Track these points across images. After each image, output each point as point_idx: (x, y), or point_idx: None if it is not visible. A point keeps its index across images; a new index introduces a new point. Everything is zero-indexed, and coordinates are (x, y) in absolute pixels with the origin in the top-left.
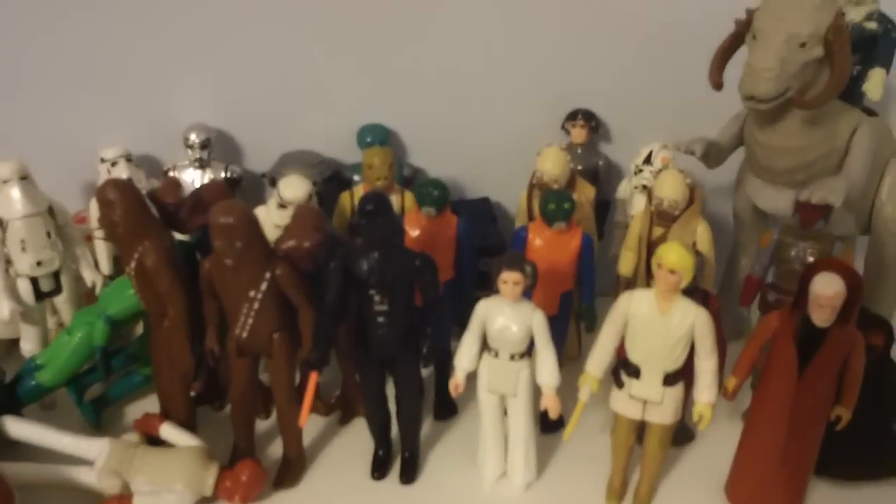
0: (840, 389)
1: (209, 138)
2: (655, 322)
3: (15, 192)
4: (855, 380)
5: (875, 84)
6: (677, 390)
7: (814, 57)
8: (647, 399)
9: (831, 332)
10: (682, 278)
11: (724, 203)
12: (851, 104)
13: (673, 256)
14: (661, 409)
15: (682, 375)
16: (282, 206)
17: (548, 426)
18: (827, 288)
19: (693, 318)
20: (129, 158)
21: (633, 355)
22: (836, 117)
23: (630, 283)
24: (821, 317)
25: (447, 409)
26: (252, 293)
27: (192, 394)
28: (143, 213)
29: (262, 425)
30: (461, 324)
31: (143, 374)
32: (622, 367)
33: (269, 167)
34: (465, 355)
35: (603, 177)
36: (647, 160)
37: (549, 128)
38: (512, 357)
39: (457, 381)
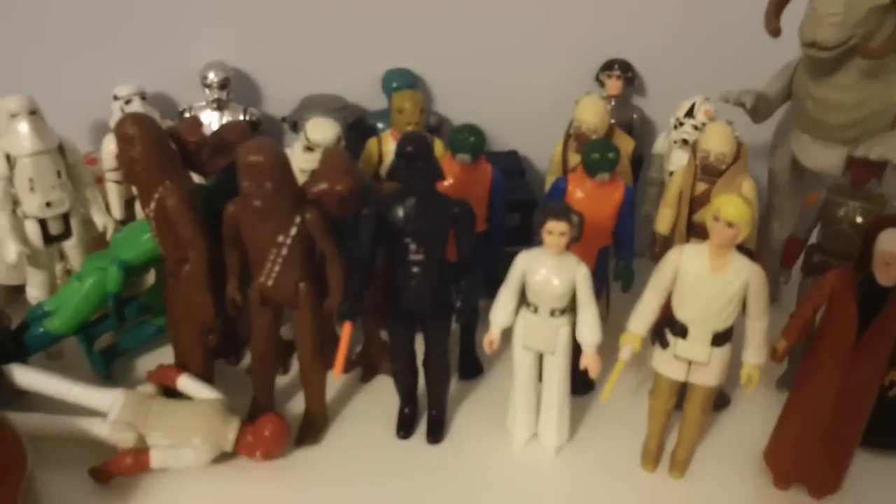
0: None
1: (228, 77)
2: (707, 279)
3: (23, 128)
4: None
5: None
6: (725, 351)
7: (880, 3)
8: (694, 359)
9: (894, 293)
10: (739, 232)
11: (753, 164)
12: None
13: (731, 209)
14: (708, 370)
15: (731, 335)
16: (308, 148)
17: (579, 388)
18: (895, 244)
19: (747, 275)
20: (143, 97)
21: (682, 313)
22: (894, 72)
23: (667, 242)
24: (887, 275)
25: (473, 368)
26: (281, 238)
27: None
28: (165, 151)
29: (279, 381)
30: (489, 282)
31: (155, 324)
32: (668, 326)
33: (290, 111)
34: (501, 311)
35: (637, 131)
36: (689, 113)
37: (582, 79)
38: (552, 313)
39: (492, 337)
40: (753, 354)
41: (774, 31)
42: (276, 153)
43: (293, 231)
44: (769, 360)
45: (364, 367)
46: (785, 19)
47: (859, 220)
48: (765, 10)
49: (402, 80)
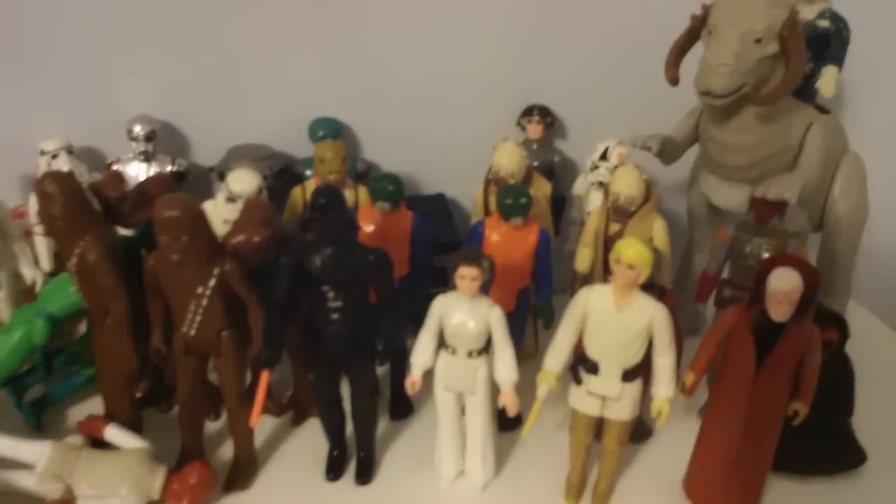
0: (797, 384)
1: (154, 130)
2: (613, 317)
3: None
4: (812, 375)
5: (828, 81)
6: (636, 386)
7: (769, 53)
8: (606, 395)
9: (788, 327)
10: (640, 273)
11: (678, 200)
12: (805, 102)
13: (631, 252)
14: (620, 405)
15: (641, 371)
16: (230, 199)
17: (505, 424)
18: (784, 283)
19: (651, 314)
20: (70, 150)
21: (592, 351)
22: (790, 114)
23: (587, 280)
24: (778, 312)
25: (403, 408)
26: (200, 290)
27: (138, 395)
28: (84, 207)
29: (211, 427)
30: (416, 321)
31: (85, 374)
32: (580, 364)
33: (218, 161)
34: (421, 353)
35: (558, 173)
36: (603, 156)
37: (504, 124)
38: (469, 354)
39: (413, 379)
40: (663, 388)
41: (673, 80)
42: (190, 208)
43: (212, 282)
44: (692, 392)
45: (294, 411)
46: (691, 67)
47: (765, 255)
48: (665, 59)
49: (327, 129)
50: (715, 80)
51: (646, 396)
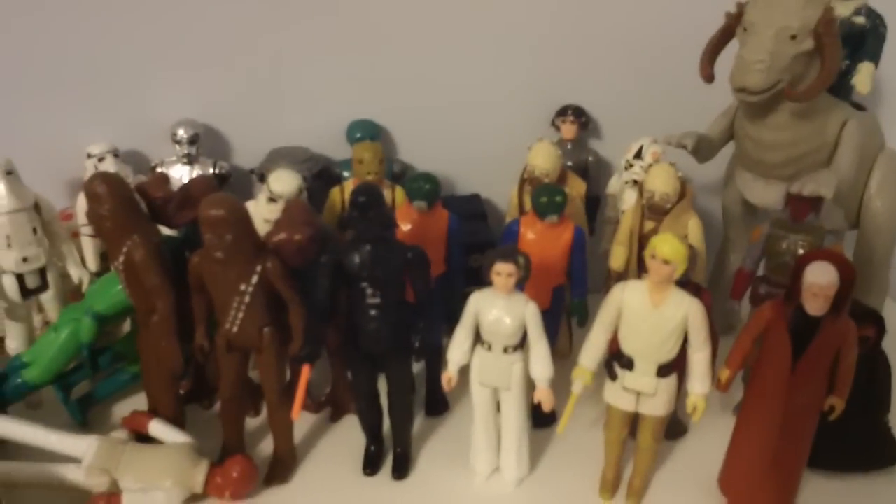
0: (833, 380)
1: (197, 133)
2: (648, 313)
3: (1, 187)
4: (848, 369)
5: (864, 78)
6: (671, 382)
7: (804, 50)
8: (641, 391)
9: (825, 322)
10: (675, 269)
11: (713, 199)
12: (840, 99)
13: (667, 247)
14: (655, 400)
15: (675, 367)
16: (272, 200)
17: (540, 421)
18: (821, 277)
19: (686, 309)
20: (115, 154)
21: (627, 347)
22: (826, 112)
23: (621, 278)
24: (815, 306)
25: (439, 405)
26: (242, 287)
27: (181, 392)
28: (132, 208)
29: (251, 423)
30: (451, 320)
31: (130, 372)
32: (615, 360)
33: (258, 163)
34: (457, 349)
35: (592, 173)
36: (638, 155)
37: (538, 124)
38: (505, 350)
39: (449, 375)
40: (698, 384)
41: (708, 78)
42: (235, 207)
43: (254, 280)
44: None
45: (332, 408)
46: (728, 65)
47: (800, 252)
48: (700, 57)
49: (364, 131)
50: (751, 76)
51: (681, 393)
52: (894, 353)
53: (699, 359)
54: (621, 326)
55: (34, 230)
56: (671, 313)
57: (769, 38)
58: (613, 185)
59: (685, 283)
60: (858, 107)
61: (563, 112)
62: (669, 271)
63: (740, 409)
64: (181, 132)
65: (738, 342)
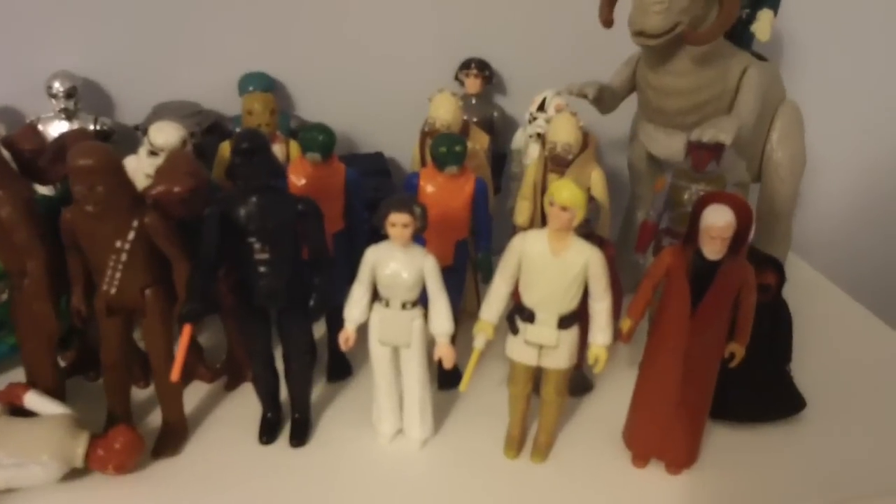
0: (733, 327)
1: (75, 86)
2: (549, 262)
3: None
4: (747, 314)
5: (763, 25)
6: (572, 334)
7: None
8: (543, 343)
9: (723, 265)
10: (575, 216)
11: (619, 156)
12: (741, 48)
13: (565, 193)
14: (557, 353)
15: (577, 319)
16: (153, 153)
17: (445, 382)
18: (718, 219)
19: (587, 258)
20: None
21: (528, 298)
22: (727, 58)
23: None
24: (712, 249)
25: (341, 370)
26: (119, 244)
27: (64, 364)
28: None
29: (142, 394)
30: (352, 279)
31: (8, 343)
32: (517, 313)
33: (144, 119)
34: (354, 306)
35: (498, 128)
36: (541, 108)
37: (442, 79)
38: (404, 306)
39: (347, 334)
40: (599, 335)
41: (607, 23)
42: (105, 156)
43: (131, 236)
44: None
45: (228, 376)
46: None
47: None
48: (599, 2)
49: (257, 84)
50: (649, 18)
51: (584, 347)
52: (795, 307)
53: (600, 309)
54: (522, 277)
55: None
56: (571, 261)
57: None
58: (518, 139)
59: (589, 236)
60: (760, 57)
61: (466, 65)
62: (569, 218)
63: (643, 358)
64: (57, 85)
65: (639, 289)
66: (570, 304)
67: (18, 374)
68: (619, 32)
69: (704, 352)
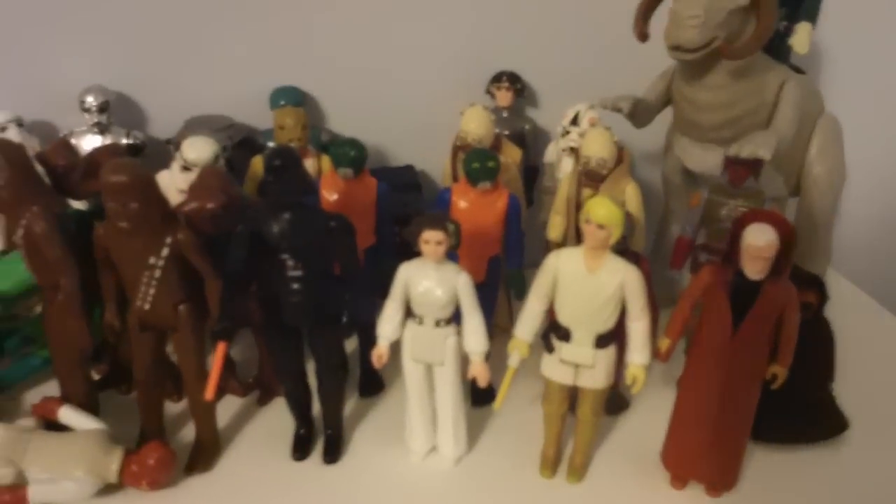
0: (775, 347)
1: (107, 101)
2: (584, 280)
3: None
4: (790, 335)
5: (802, 38)
6: (609, 353)
7: (739, 5)
8: (579, 363)
9: (765, 285)
10: (611, 233)
11: (653, 169)
12: (778, 61)
13: (601, 210)
14: (594, 372)
15: (614, 338)
16: (185, 168)
17: (478, 399)
18: (760, 238)
19: (623, 276)
20: (19, 123)
21: (563, 317)
22: (764, 72)
23: (560, 248)
24: (754, 269)
25: (373, 385)
26: (152, 260)
27: (97, 377)
28: (30, 177)
29: (174, 409)
30: (384, 295)
31: (41, 356)
32: (552, 331)
33: (175, 133)
34: (387, 323)
35: (530, 141)
36: (574, 121)
37: (473, 92)
38: (437, 323)
39: (380, 352)
40: (637, 354)
41: (642, 36)
42: (138, 173)
43: (165, 252)
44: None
45: (260, 390)
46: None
47: None
48: (634, 16)
49: (288, 98)
50: (685, 32)
51: (621, 365)
52: (837, 324)
53: (637, 328)
54: (557, 295)
55: None
56: (607, 279)
57: None
58: (550, 153)
59: (623, 252)
60: (797, 70)
61: (497, 78)
62: (605, 236)
63: (681, 379)
64: (90, 99)
65: (677, 309)
66: (606, 322)
67: (51, 387)
68: (651, 45)
69: (745, 373)
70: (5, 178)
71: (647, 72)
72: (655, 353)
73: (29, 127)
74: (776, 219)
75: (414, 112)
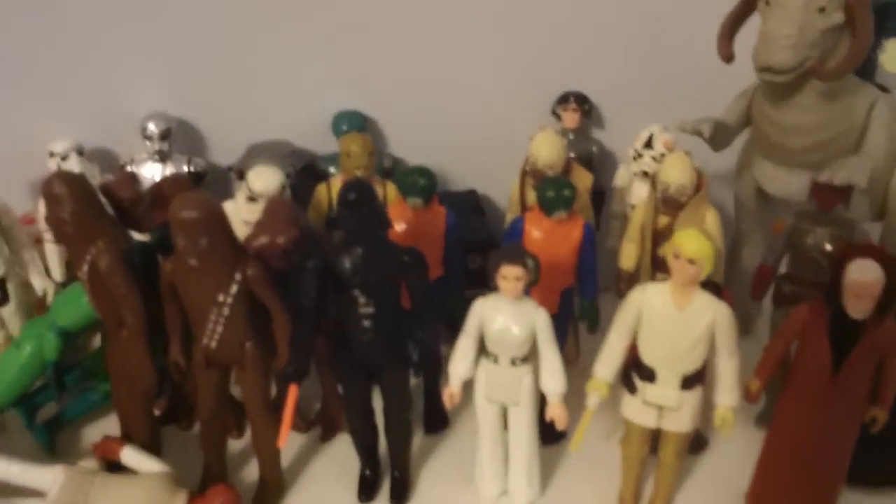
0: (875, 388)
1: (169, 128)
2: (672, 318)
3: None
4: (893, 377)
5: (892, 55)
6: (696, 394)
7: (834, 23)
8: (664, 405)
9: (868, 325)
10: (701, 268)
11: (720, 190)
12: (864, 79)
13: (692, 244)
14: (679, 415)
15: (701, 378)
16: (251, 199)
17: (549, 437)
18: (865, 275)
19: (714, 314)
20: (80, 152)
21: (647, 356)
22: (853, 92)
23: (632, 278)
24: (858, 308)
25: (438, 421)
26: (220, 297)
27: (157, 412)
28: (95, 210)
29: (235, 445)
30: (451, 327)
31: (101, 391)
32: (634, 370)
33: (237, 159)
34: (460, 362)
35: (597, 165)
36: (648, 144)
37: (537, 113)
38: (513, 362)
39: (451, 391)
40: (726, 396)
41: (727, 57)
42: (209, 207)
43: (234, 289)
44: (758, 399)
45: (323, 426)
46: (740, 44)
47: (828, 246)
48: (717, 34)
49: (351, 123)
50: (776, 53)
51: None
52: None
53: (727, 368)
54: (641, 333)
55: None
56: (697, 317)
57: (797, 11)
58: (621, 177)
59: (704, 284)
60: (882, 89)
61: (564, 99)
62: (695, 271)
63: (773, 420)
64: (151, 127)
65: (770, 348)
66: (694, 363)
67: (112, 422)
68: (722, 64)
69: (844, 415)
70: (69, 211)
71: (716, 91)
72: (745, 394)
73: (88, 154)
74: (881, 254)
75: (475, 134)
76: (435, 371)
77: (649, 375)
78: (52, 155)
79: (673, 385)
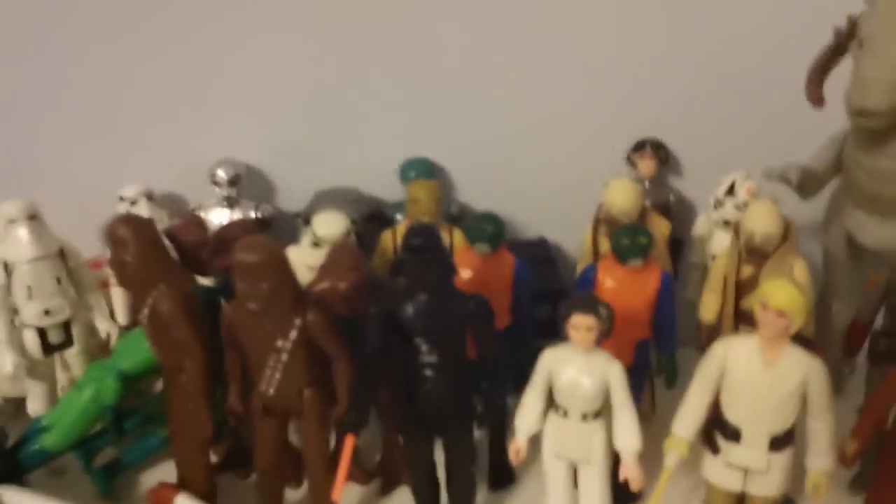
0: None
1: (238, 174)
2: (759, 375)
3: (22, 233)
4: None
5: None
6: (785, 456)
7: None
8: (750, 467)
9: None
10: (791, 322)
11: (807, 241)
12: None
13: (782, 296)
14: (767, 478)
15: (791, 440)
16: (316, 244)
17: (623, 498)
18: None
19: (806, 371)
20: (150, 197)
21: (732, 414)
22: None
23: (714, 331)
24: None
25: (504, 476)
26: (280, 343)
27: (215, 459)
28: (158, 253)
29: (293, 495)
30: (519, 379)
31: (161, 436)
32: (717, 429)
33: (304, 206)
34: (527, 415)
35: (674, 213)
36: (730, 192)
37: (611, 161)
38: (584, 417)
39: (518, 446)
40: (819, 460)
41: (817, 101)
42: (271, 252)
43: (293, 335)
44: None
45: (383, 478)
46: (828, 87)
47: None
48: (806, 78)
49: (419, 170)
50: (871, 96)
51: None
52: None
53: (820, 429)
54: (725, 390)
55: (58, 280)
56: (788, 374)
57: (892, 53)
58: (701, 225)
59: (794, 338)
60: None
61: (639, 147)
62: (785, 325)
63: (870, 487)
64: (221, 173)
65: (867, 409)
66: (784, 422)
67: (169, 468)
68: (808, 109)
69: None
70: (133, 255)
71: (800, 139)
72: (840, 458)
73: (157, 200)
74: None
75: (545, 182)
76: (501, 424)
77: (734, 435)
78: (121, 199)
79: (760, 446)
